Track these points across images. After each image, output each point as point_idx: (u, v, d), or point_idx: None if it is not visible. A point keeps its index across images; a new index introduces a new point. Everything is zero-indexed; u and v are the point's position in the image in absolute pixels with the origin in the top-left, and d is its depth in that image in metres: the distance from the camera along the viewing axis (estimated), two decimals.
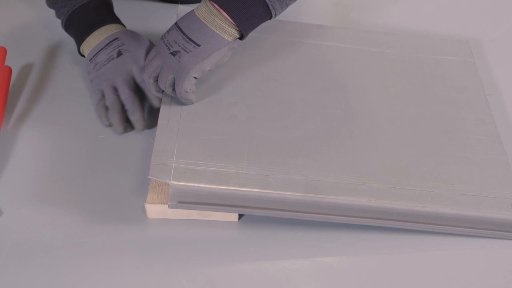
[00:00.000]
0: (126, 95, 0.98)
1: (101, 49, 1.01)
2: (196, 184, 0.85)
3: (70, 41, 1.07)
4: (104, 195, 0.91)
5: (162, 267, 0.85)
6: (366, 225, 0.88)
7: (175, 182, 0.85)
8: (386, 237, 0.89)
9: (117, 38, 1.02)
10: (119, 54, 1.00)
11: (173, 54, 0.89)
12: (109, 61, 1.00)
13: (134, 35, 1.04)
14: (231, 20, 0.88)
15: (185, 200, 0.86)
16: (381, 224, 0.88)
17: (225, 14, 0.88)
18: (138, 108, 0.97)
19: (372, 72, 1.05)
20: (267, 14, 0.90)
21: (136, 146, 0.98)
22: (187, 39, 0.89)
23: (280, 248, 0.87)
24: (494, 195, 0.90)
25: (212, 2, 0.89)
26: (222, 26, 0.89)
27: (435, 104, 1.01)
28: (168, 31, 0.92)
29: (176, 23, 0.91)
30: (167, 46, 0.90)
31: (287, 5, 0.92)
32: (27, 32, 1.15)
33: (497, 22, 1.23)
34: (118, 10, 1.09)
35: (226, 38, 0.89)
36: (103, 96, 0.99)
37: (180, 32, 0.90)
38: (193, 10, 0.91)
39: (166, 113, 0.93)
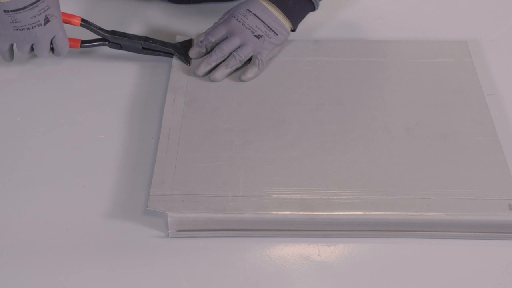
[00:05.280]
0: (43, 55, 1.06)
1: (25, 8, 0.99)
2: (193, 213, 0.88)
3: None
4: (104, 195, 0.94)
5: (162, 267, 0.87)
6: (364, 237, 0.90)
7: (173, 213, 0.88)
8: (386, 238, 0.90)
9: None
10: (46, 21, 1.02)
11: (258, 37, 1.06)
12: (35, 26, 1.01)
13: None
14: (287, 18, 1.09)
15: (184, 228, 0.89)
16: (379, 235, 0.90)
17: (281, 13, 1.08)
18: None
19: (367, 83, 1.07)
20: (312, 8, 1.11)
21: (136, 146, 1.00)
22: (268, 27, 1.07)
23: (280, 248, 0.89)
24: (491, 197, 0.90)
25: (270, 1, 1.08)
26: (284, 21, 1.08)
27: (432, 109, 1.02)
28: (244, 15, 1.07)
29: (250, 10, 1.08)
30: (249, 29, 1.06)
31: None
32: None
33: (497, 22, 1.23)
34: (119, 11, 1.12)
35: (289, 30, 1.10)
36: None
37: (260, 20, 1.07)
38: (260, 1, 1.08)
39: (164, 145, 0.97)
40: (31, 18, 1.00)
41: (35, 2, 0.99)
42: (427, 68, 1.10)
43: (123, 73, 1.12)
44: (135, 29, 1.20)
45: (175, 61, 1.10)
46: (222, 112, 1.02)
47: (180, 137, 0.98)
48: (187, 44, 1.12)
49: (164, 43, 1.11)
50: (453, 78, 1.07)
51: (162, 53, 1.11)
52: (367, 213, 0.89)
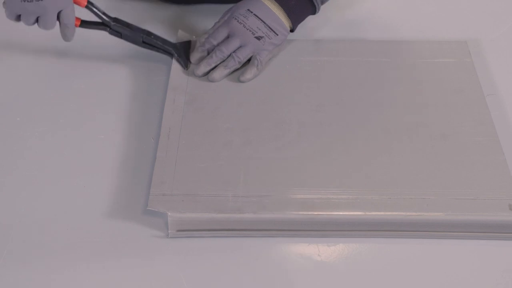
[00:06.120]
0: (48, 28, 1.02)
1: None
2: (193, 213, 0.88)
3: (71, 44, 1.08)
4: (104, 195, 0.94)
5: (162, 267, 0.87)
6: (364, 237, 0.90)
7: (173, 213, 0.88)
8: (386, 238, 0.90)
9: None
10: None
11: (258, 38, 1.06)
12: None
13: None
14: (288, 17, 1.09)
15: (184, 228, 0.89)
16: (379, 235, 0.90)
17: (283, 11, 1.08)
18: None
19: (368, 84, 1.07)
20: (312, 12, 1.11)
21: (136, 146, 1.00)
22: (269, 28, 1.07)
23: (280, 248, 0.90)
24: (491, 197, 0.90)
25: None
26: (285, 20, 1.09)
27: (432, 109, 1.02)
28: (245, 16, 1.07)
29: (251, 11, 1.08)
30: (250, 31, 1.06)
31: (326, 2, 1.12)
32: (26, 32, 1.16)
33: (497, 22, 1.23)
34: (116, 9, 1.12)
35: (289, 30, 1.10)
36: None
37: (260, 20, 1.07)
38: (262, 0, 1.08)
39: (164, 145, 0.97)
40: None
41: None
42: (427, 68, 1.10)
43: (122, 73, 1.12)
44: None
45: (175, 62, 1.10)
46: (222, 112, 1.02)
47: (180, 136, 0.98)
48: (186, 46, 1.12)
49: (165, 41, 1.10)
50: (453, 78, 1.07)
51: (161, 51, 1.10)
52: (367, 213, 0.89)
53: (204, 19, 1.21)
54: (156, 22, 1.22)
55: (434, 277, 0.86)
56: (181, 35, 1.16)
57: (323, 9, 1.14)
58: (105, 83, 1.11)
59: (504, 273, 0.87)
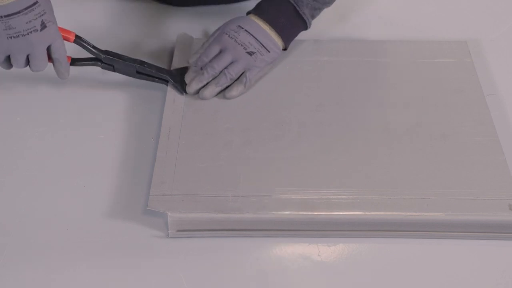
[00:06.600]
0: (40, 67, 1.00)
1: (20, 12, 0.94)
2: (193, 213, 0.88)
3: (70, 45, 1.06)
4: (104, 195, 0.94)
5: (162, 267, 0.87)
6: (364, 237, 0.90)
7: (173, 213, 0.88)
8: (386, 238, 0.90)
9: (37, 2, 0.95)
10: (43, 26, 0.96)
11: (250, 54, 1.04)
12: (31, 32, 0.95)
13: None
14: (279, 36, 1.07)
15: (184, 228, 0.89)
16: (379, 235, 0.90)
17: (274, 31, 1.06)
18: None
19: (368, 84, 1.07)
20: (304, 28, 1.09)
21: (136, 146, 1.00)
22: (261, 44, 1.05)
23: (280, 248, 0.89)
24: (491, 197, 0.90)
25: (262, 19, 1.06)
26: (277, 39, 1.07)
27: (432, 109, 1.03)
28: (236, 31, 1.05)
29: (242, 27, 1.05)
30: (242, 45, 1.04)
31: (317, 16, 1.10)
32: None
33: (497, 22, 1.23)
34: (117, 11, 1.12)
35: (282, 48, 1.08)
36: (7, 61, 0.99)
37: (252, 36, 1.05)
38: (252, 19, 1.06)
39: (164, 145, 0.97)
40: (27, 23, 0.94)
41: (30, 6, 0.94)
42: (427, 68, 1.10)
43: (123, 77, 1.12)
44: (134, 31, 1.20)
45: (170, 89, 1.06)
46: (222, 112, 1.02)
47: (180, 136, 0.98)
48: (183, 72, 1.07)
49: (159, 69, 1.06)
50: (453, 78, 1.08)
51: (156, 79, 1.06)
52: (367, 213, 0.89)
53: (205, 21, 1.21)
54: (156, 24, 1.22)
55: (434, 277, 0.86)
56: (181, 36, 1.16)
57: (325, 18, 1.14)
58: (105, 82, 1.10)
59: (504, 273, 0.87)
